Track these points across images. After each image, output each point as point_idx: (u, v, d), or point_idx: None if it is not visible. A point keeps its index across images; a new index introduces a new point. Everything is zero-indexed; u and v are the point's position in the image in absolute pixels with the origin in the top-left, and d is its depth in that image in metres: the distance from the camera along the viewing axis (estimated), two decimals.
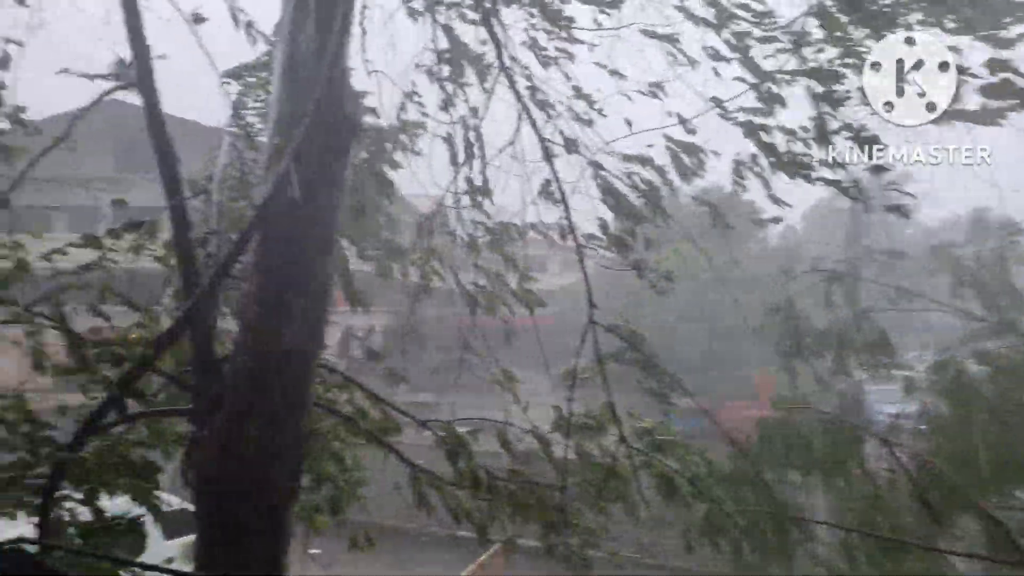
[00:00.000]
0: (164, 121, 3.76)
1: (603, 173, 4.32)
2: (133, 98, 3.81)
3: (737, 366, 19.11)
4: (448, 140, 4.71)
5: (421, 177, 4.92)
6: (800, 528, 4.65)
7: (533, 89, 4.39)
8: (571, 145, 4.35)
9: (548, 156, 4.38)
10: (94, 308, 3.88)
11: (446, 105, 4.68)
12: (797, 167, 3.75)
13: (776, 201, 3.90)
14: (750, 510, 4.49)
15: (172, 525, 7.76)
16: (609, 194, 4.30)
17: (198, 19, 3.99)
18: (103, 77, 3.78)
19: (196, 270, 3.58)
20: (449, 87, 4.68)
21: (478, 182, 4.66)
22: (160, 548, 7.21)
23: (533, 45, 4.36)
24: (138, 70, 3.64)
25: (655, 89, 4.00)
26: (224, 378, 3.33)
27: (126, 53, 3.57)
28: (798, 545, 4.68)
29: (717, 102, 3.75)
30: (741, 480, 4.68)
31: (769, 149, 3.81)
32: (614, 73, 4.07)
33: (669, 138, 4.06)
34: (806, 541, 4.68)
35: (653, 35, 3.89)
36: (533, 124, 4.37)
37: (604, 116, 4.26)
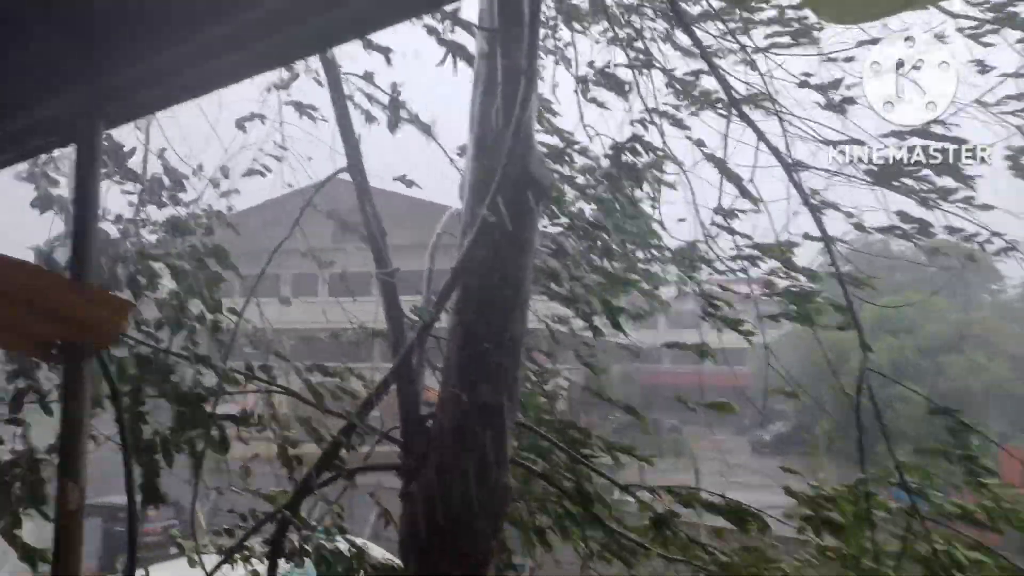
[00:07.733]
0: (371, 198, 4.19)
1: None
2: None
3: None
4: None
5: None
6: None
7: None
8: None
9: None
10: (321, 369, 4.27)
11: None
12: None
13: None
14: None
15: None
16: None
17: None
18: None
19: (403, 330, 3.85)
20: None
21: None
22: None
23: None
24: (348, 157, 4.13)
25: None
26: (430, 434, 3.50)
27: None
28: None
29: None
30: None
31: None
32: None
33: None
34: None
35: None
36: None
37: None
